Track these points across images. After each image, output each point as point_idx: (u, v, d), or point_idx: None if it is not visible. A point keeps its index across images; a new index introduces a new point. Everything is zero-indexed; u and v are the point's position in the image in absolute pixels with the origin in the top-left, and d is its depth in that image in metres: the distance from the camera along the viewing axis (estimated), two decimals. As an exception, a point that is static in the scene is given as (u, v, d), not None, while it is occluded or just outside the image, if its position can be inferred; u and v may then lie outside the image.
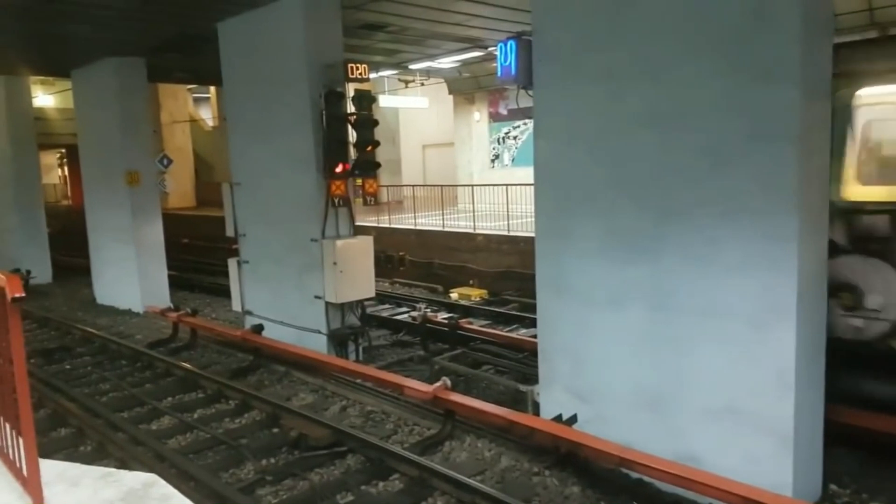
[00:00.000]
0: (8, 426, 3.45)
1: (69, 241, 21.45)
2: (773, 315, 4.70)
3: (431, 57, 14.48)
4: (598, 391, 5.84)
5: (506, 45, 5.94)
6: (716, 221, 4.94)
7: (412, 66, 15.74)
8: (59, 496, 3.29)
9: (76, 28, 10.49)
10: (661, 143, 5.20)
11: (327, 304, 8.95)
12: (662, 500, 5.20)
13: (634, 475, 5.35)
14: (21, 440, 3.20)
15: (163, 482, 3.30)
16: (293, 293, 9.47)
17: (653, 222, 5.27)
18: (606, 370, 5.76)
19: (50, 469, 3.47)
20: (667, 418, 5.36)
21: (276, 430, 6.93)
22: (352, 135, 8.99)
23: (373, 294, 9.13)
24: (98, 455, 6.37)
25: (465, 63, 16.12)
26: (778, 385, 4.72)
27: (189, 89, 28.30)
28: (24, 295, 2.84)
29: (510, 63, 5.88)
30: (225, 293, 11.80)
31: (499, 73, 6.11)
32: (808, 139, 4.67)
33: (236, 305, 10.69)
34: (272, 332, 9.54)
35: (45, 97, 25.45)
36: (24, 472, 3.24)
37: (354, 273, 8.87)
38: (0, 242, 17.58)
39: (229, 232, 10.64)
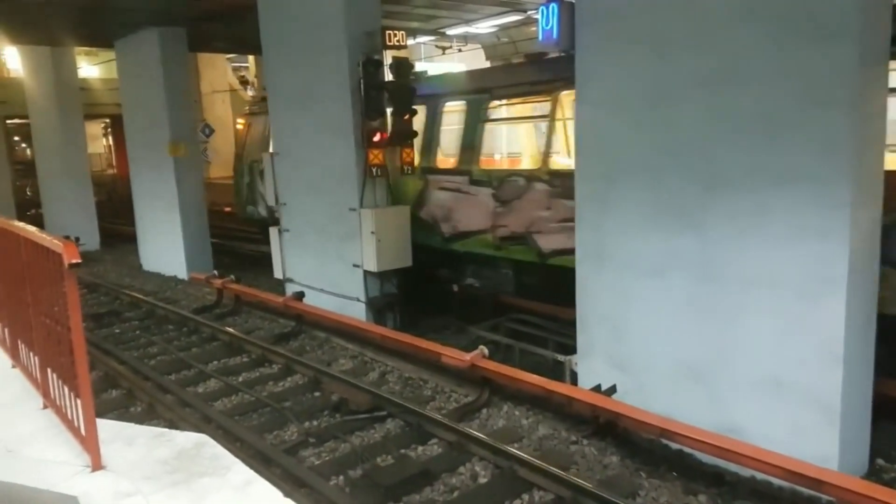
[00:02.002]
0: (66, 387, 3.61)
1: (115, 208, 22.08)
2: (824, 285, 4.57)
3: (468, 22, 14.25)
4: (639, 362, 5.80)
5: (547, 7, 5.80)
6: (766, 189, 4.79)
7: (449, 32, 15.53)
8: (115, 454, 3.43)
9: (119, -1, 10.64)
10: (711, 109, 5.04)
11: (365, 272, 9.05)
12: (703, 471, 5.16)
13: (675, 446, 5.33)
14: (79, 401, 3.33)
15: (213, 442, 3.42)
16: (332, 261, 9.58)
17: (700, 190, 5.14)
18: (648, 340, 5.70)
19: (106, 428, 3.62)
20: (709, 389, 5.30)
21: (317, 393, 7.09)
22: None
23: (409, 263, 9.18)
24: (148, 416, 6.61)
25: (503, 28, 15.82)
26: (826, 357, 4.62)
27: (228, 58, 28.46)
28: (80, 261, 2.94)
29: (552, 26, 5.74)
30: (266, 261, 12.00)
31: (540, 37, 5.98)
32: (865, 104, 4.46)
33: (277, 273, 10.88)
34: (312, 300, 9.70)
35: (90, 68, 25.94)
36: (83, 430, 3.38)
37: (392, 242, 8.93)
38: (50, 210, 18.25)
39: (270, 201, 10.78)
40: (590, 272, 6.10)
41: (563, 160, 8.83)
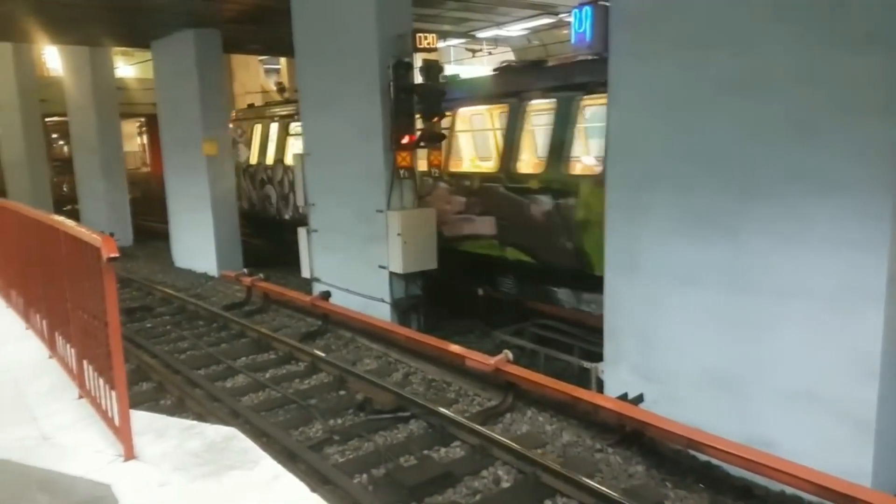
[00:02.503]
0: (101, 379, 3.69)
1: (148, 206, 22.50)
2: (861, 298, 4.46)
3: (500, 25, 14.25)
4: (668, 371, 5.73)
5: (581, 10, 5.79)
6: (802, 198, 4.69)
7: (480, 35, 15.55)
8: (147, 445, 3.50)
9: (157, 1, 10.85)
10: (746, 115, 4.96)
11: (391, 273, 9.09)
12: (731, 484, 5.08)
13: (702, 457, 5.25)
14: (113, 392, 3.41)
15: (242, 436, 3.47)
16: (359, 262, 9.65)
17: (734, 198, 5.06)
18: (677, 350, 5.63)
19: (138, 419, 3.70)
20: (739, 401, 5.21)
21: (342, 392, 7.15)
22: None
23: (435, 265, 9.20)
24: (177, 409, 6.72)
25: (534, 31, 15.78)
26: (861, 370, 4.51)
27: (260, 60, 28.85)
28: (118, 255, 3.01)
29: (585, 29, 5.72)
30: (292, 261, 12.14)
31: (573, 40, 5.97)
32: (906, 111, 4.37)
33: (305, 272, 10.99)
34: (338, 299, 9.79)
35: (126, 68, 26.50)
36: (116, 421, 3.46)
37: (418, 244, 8.96)
38: (86, 207, 18.69)
39: (299, 202, 10.90)
40: (619, 280, 6.05)
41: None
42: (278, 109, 14.64)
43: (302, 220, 11.14)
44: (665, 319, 5.69)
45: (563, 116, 8.03)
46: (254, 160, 14.93)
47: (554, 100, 8.26)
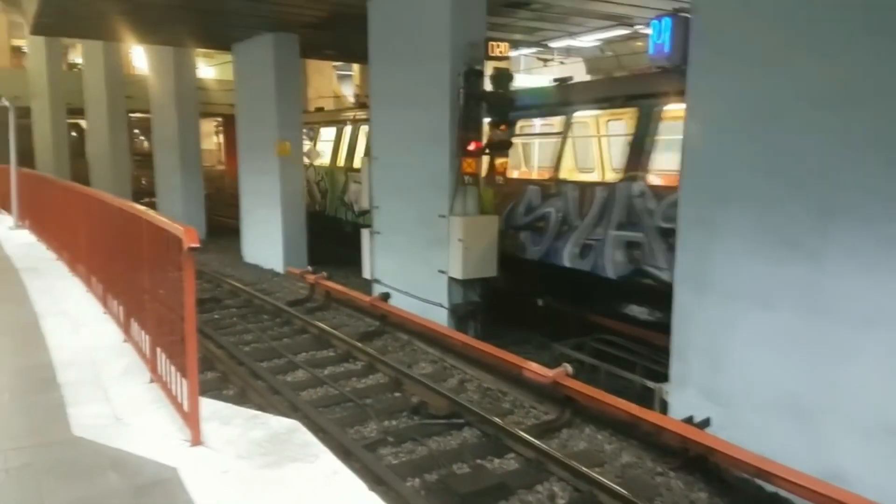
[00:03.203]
0: (172, 365, 3.82)
1: (222, 202, 23.31)
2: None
3: (573, 35, 14.11)
4: (737, 396, 5.50)
5: (660, 22, 5.68)
6: (889, 220, 4.44)
7: (552, 45, 15.44)
8: (213, 432, 3.60)
9: (239, 4, 11.27)
10: (831, 132, 4.74)
11: (450, 279, 9.10)
12: (799, 518, 4.85)
13: (770, 488, 5.01)
14: (184, 379, 3.52)
15: (304, 429, 3.53)
16: (419, 266, 9.71)
17: (816, 217, 4.83)
18: (749, 374, 5.40)
19: (206, 406, 3.80)
20: (813, 432, 4.96)
21: (398, 394, 7.19)
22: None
23: (495, 273, 9.16)
24: (239, 400, 6.86)
25: (607, 41, 15.57)
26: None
27: (334, 66, 29.51)
28: (199, 245, 3.12)
29: (664, 41, 5.60)
30: (353, 261, 12.35)
31: (651, 51, 5.85)
32: None
33: (366, 273, 11.14)
34: (397, 301, 9.87)
35: (206, 69, 27.57)
36: (185, 407, 3.57)
37: (478, 250, 8.94)
38: (163, 200, 19.51)
39: (364, 204, 11.07)
40: (689, 299, 5.86)
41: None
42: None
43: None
44: (737, 341, 5.48)
45: None
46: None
47: None
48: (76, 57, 27.87)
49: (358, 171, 12.50)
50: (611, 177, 9.34)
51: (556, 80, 9.88)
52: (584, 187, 8.86)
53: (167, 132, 18.90)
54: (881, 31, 4.45)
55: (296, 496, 3.00)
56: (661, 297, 6.88)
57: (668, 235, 7.21)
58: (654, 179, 8.01)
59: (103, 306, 6.25)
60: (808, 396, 4.99)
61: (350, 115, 15.45)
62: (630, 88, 8.56)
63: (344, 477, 3.15)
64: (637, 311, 8.82)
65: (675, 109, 7.26)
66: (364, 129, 13.69)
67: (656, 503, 4.95)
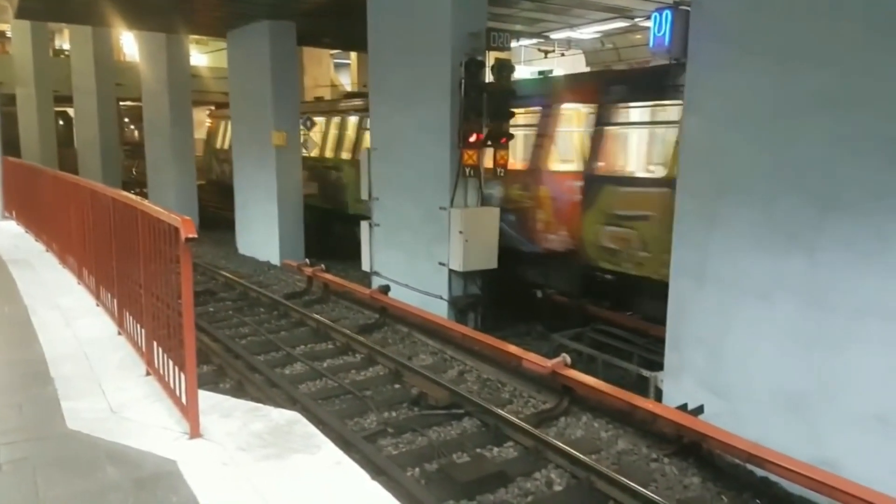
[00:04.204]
0: (169, 358, 3.79)
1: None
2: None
3: (573, 27, 14.07)
4: (732, 385, 5.54)
5: (661, 14, 5.64)
6: (886, 215, 4.48)
7: (552, 36, 15.38)
8: (212, 424, 3.59)
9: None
10: (834, 130, 4.76)
11: (451, 271, 9.09)
12: (790, 502, 4.92)
13: (761, 473, 5.07)
14: (183, 374, 3.49)
15: (305, 421, 3.52)
16: (419, 258, 9.69)
17: (815, 212, 4.86)
18: (744, 364, 5.44)
19: (204, 399, 3.78)
20: (807, 421, 5.00)
21: (397, 385, 7.20)
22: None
23: (495, 265, 9.15)
24: (236, 393, 6.82)
25: (607, 34, 15.52)
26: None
27: (331, 55, 29.30)
28: (196, 236, 3.09)
29: (664, 33, 5.57)
30: (351, 252, 12.31)
31: (651, 44, 5.83)
32: None
33: (365, 265, 11.12)
34: (396, 294, 9.85)
35: (199, 56, 27.17)
36: (184, 399, 3.55)
37: (479, 243, 8.93)
38: (154, 191, 19.26)
39: (364, 195, 11.03)
40: (687, 290, 5.88)
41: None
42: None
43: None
44: (733, 332, 5.51)
45: None
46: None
47: None
48: (63, 43, 27.47)
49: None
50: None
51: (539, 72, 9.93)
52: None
53: (159, 121, 18.56)
54: (882, 30, 4.45)
55: (299, 487, 3.00)
56: None
57: None
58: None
59: (96, 299, 6.18)
60: (803, 386, 5.03)
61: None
62: None
63: (347, 467, 3.16)
64: None
65: None
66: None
67: (651, 488, 4.98)
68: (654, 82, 7.40)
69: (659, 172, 7.73)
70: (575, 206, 8.77)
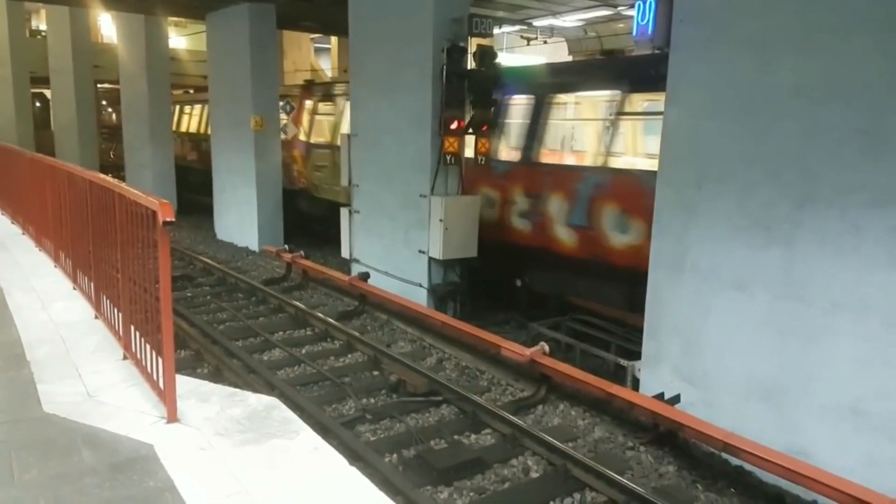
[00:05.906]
0: (147, 342, 3.76)
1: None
2: (918, 313, 4.31)
3: (556, 14, 14.06)
4: (708, 374, 5.63)
5: (644, 2, 5.64)
6: (862, 209, 4.56)
7: (535, 23, 15.36)
8: (190, 409, 3.57)
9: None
10: (811, 122, 4.81)
11: (430, 259, 9.09)
12: (764, 490, 5.02)
13: (735, 462, 5.16)
14: (160, 358, 3.47)
15: (283, 406, 3.51)
16: (399, 245, 9.67)
17: (792, 205, 4.92)
18: (720, 355, 5.52)
19: (182, 384, 3.76)
20: (781, 411, 5.10)
21: (376, 372, 7.20)
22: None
23: (475, 254, 9.17)
24: (214, 378, 6.77)
25: (590, 22, 15.53)
26: (915, 389, 4.36)
27: (312, 39, 29.00)
28: (174, 220, 3.05)
29: (647, 22, 5.58)
30: (331, 240, 12.23)
31: (634, 33, 5.83)
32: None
33: (345, 252, 11.06)
34: (376, 281, 9.83)
35: (178, 39, 26.79)
36: (161, 383, 3.52)
37: (459, 231, 8.93)
38: (132, 175, 19.02)
39: (343, 182, 10.95)
40: (664, 280, 5.94)
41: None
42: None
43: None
44: (710, 322, 5.58)
45: None
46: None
47: None
48: (40, 23, 26.90)
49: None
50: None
51: None
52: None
53: (137, 104, 18.33)
54: (866, 28, 4.50)
55: (276, 472, 3.00)
56: None
57: None
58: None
59: (73, 282, 6.10)
60: (778, 376, 5.12)
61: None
62: None
63: (325, 453, 3.16)
64: None
65: None
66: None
67: (626, 476, 5.06)
68: None
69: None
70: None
